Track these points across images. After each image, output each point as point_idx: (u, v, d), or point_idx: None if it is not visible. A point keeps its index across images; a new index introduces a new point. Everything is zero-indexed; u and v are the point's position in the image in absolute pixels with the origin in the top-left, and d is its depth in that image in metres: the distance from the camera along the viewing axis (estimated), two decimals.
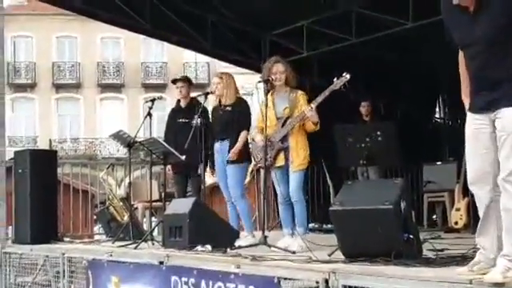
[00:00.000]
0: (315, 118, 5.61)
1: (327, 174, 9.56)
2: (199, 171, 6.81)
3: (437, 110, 13.23)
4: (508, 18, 3.27)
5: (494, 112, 3.34)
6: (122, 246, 6.26)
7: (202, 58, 29.54)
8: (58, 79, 31.80)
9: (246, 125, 6.52)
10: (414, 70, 10.97)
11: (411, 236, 4.12)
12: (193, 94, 7.68)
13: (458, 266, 3.74)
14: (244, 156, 6.43)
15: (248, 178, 6.42)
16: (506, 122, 3.28)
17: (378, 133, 5.52)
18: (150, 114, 6.76)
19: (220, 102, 6.59)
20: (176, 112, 7.60)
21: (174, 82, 7.60)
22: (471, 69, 3.48)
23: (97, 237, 9.26)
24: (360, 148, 5.45)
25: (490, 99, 3.36)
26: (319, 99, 5.62)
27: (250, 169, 6.57)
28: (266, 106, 5.78)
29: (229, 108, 6.51)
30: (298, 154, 5.70)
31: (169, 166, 7.28)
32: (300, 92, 5.85)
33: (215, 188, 7.26)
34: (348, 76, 5.52)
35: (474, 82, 3.47)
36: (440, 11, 3.70)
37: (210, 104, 6.90)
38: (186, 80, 7.62)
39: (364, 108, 9.35)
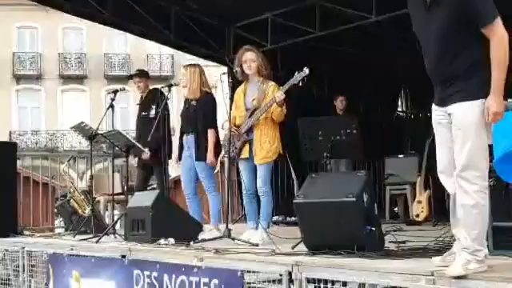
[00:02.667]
0: (281, 100, 5.50)
1: (292, 168, 9.57)
2: (164, 165, 6.78)
3: (399, 103, 13.35)
4: (459, 15, 3.26)
5: (446, 107, 3.37)
6: (84, 239, 6.18)
7: (166, 50, 29.33)
8: (18, 70, 31.19)
9: (212, 122, 6.44)
10: (377, 64, 11.05)
11: (373, 228, 4.14)
12: (158, 87, 7.63)
13: (420, 258, 3.79)
14: (215, 152, 6.40)
15: (217, 168, 6.38)
16: (457, 118, 3.31)
17: (343, 126, 5.53)
18: (112, 106, 6.68)
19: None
20: (139, 106, 7.60)
21: (131, 77, 7.59)
22: (426, 63, 3.49)
23: (57, 230, 9.11)
24: (324, 141, 5.45)
25: (443, 96, 3.39)
26: (283, 90, 5.59)
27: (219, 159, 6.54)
28: (232, 98, 5.74)
29: (194, 103, 6.46)
30: (262, 147, 5.66)
31: (136, 159, 7.24)
32: (271, 83, 5.77)
33: (179, 181, 7.22)
34: (307, 71, 5.50)
35: (430, 76, 3.49)
36: (403, 5, 3.72)
37: (174, 97, 6.86)
38: (142, 74, 7.60)
39: (340, 102, 9.36)
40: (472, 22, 3.24)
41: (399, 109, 13.31)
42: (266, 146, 5.66)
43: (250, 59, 5.75)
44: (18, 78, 31.30)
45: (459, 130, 3.28)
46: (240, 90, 5.90)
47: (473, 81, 3.26)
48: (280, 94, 5.49)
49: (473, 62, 3.26)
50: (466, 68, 3.27)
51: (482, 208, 3.24)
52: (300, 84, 5.54)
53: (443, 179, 3.49)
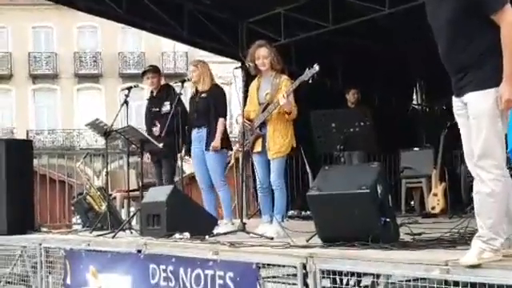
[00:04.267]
0: (287, 108, 5.52)
1: (306, 162, 9.57)
2: (176, 160, 6.81)
3: (414, 96, 13.28)
4: (468, 2, 3.24)
5: (462, 97, 3.35)
6: (100, 235, 6.22)
7: (181, 48, 29.45)
8: (34, 70, 31.44)
9: (223, 112, 6.54)
10: (391, 57, 10.99)
11: (388, 220, 4.13)
12: (171, 83, 7.67)
13: (434, 249, 3.78)
14: (224, 143, 6.43)
15: (232, 162, 6.41)
16: (472, 107, 3.29)
17: (356, 118, 5.52)
18: (126, 102, 6.71)
19: (197, 89, 6.58)
20: (150, 101, 7.62)
21: (144, 73, 7.61)
22: (440, 53, 3.47)
23: (74, 227, 9.19)
24: (337, 134, 5.45)
25: (458, 86, 3.37)
26: (291, 89, 5.58)
27: (232, 154, 6.57)
28: (246, 91, 5.75)
29: (204, 95, 6.51)
30: (275, 142, 5.66)
31: (148, 155, 7.27)
32: (284, 77, 5.75)
33: (193, 177, 7.24)
34: (317, 68, 5.48)
35: (445, 66, 3.47)
36: None
37: (189, 93, 6.88)
38: (156, 70, 7.63)
39: (352, 95, 9.31)
40: (481, 9, 3.21)
41: (414, 102, 13.24)
42: (279, 140, 5.66)
43: (262, 55, 5.76)
44: (35, 78, 31.55)
45: (474, 120, 3.27)
46: (254, 84, 5.91)
47: (485, 69, 3.23)
48: (282, 100, 5.47)
49: (484, 50, 3.23)
50: (477, 56, 3.25)
51: (498, 196, 3.21)
52: (310, 81, 5.50)
53: (470, 168, 3.47)
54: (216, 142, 6.36)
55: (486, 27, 3.22)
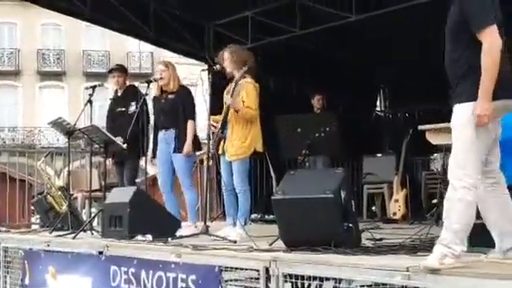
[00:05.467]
0: (233, 106, 5.56)
1: (270, 166, 9.60)
2: (139, 161, 6.75)
3: (378, 103, 13.43)
4: (461, 17, 3.33)
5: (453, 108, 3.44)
6: (60, 235, 6.13)
7: (146, 48, 29.22)
8: None
9: (192, 114, 6.51)
10: (356, 63, 11.11)
11: (351, 225, 4.17)
12: (136, 83, 7.60)
13: (395, 255, 3.82)
14: (193, 145, 6.41)
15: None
16: (452, 119, 3.40)
17: (321, 124, 5.55)
18: (90, 102, 6.63)
19: (162, 90, 6.52)
20: (114, 101, 7.52)
21: (110, 71, 7.53)
22: None
23: (34, 227, 9.03)
24: (302, 139, 5.47)
25: (451, 97, 3.45)
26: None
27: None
28: (213, 94, 5.75)
29: (172, 96, 6.47)
30: (233, 144, 5.66)
31: (110, 159, 7.19)
32: (246, 80, 5.75)
33: (156, 179, 7.20)
34: (245, 68, 5.59)
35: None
36: (383, 5, 3.75)
37: (152, 93, 6.82)
38: (122, 69, 7.55)
39: (317, 101, 9.37)
40: (470, 26, 3.31)
41: (378, 108, 13.39)
42: (236, 143, 5.66)
43: (224, 58, 5.79)
44: None
45: (452, 130, 3.39)
46: (228, 87, 5.90)
47: (468, 83, 3.33)
48: (227, 99, 5.52)
49: (471, 65, 3.32)
50: (464, 70, 3.34)
51: (467, 204, 3.28)
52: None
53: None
54: (188, 147, 6.34)
55: (474, 43, 3.30)
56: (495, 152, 3.47)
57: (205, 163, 6.16)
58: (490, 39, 3.26)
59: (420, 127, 4.25)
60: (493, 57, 3.24)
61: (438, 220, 6.64)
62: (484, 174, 3.40)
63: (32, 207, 9.85)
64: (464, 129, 3.32)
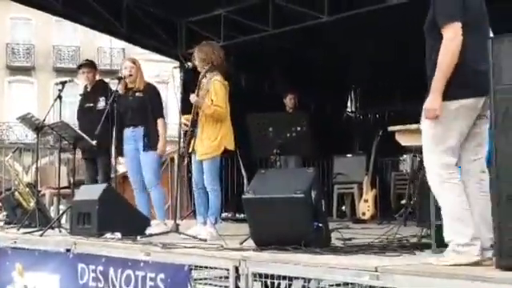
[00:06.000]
0: (198, 104, 5.54)
1: (241, 164, 9.59)
2: (110, 158, 6.69)
3: (348, 103, 13.52)
4: (433, 16, 3.38)
5: None
6: (28, 232, 6.06)
7: (118, 44, 28.92)
8: None
9: (161, 112, 6.49)
10: (328, 63, 11.16)
11: (321, 224, 4.19)
12: (106, 80, 7.53)
13: (364, 255, 3.85)
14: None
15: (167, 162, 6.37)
16: (422, 115, 3.45)
17: (293, 123, 5.57)
18: (60, 97, 6.55)
19: (127, 87, 6.46)
20: (83, 97, 7.44)
21: (80, 67, 7.45)
22: None
23: (1, 224, 8.90)
24: (274, 138, 5.47)
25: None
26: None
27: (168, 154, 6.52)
28: (184, 91, 5.72)
29: (139, 94, 6.42)
30: (203, 143, 5.64)
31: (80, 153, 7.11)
32: (215, 78, 5.68)
33: (126, 176, 7.14)
34: (190, 64, 5.58)
35: None
36: (354, 6, 3.77)
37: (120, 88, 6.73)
38: (92, 65, 7.48)
39: (290, 100, 9.40)
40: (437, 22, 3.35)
41: (348, 109, 13.48)
42: (206, 142, 5.63)
43: (193, 56, 5.77)
44: None
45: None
46: (198, 85, 5.86)
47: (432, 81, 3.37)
48: (191, 97, 5.53)
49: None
50: (432, 67, 3.36)
51: (442, 199, 3.37)
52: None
53: None
54: (162, 146, 6.33)
55: (440, 40, 3.33)
56: (477, 150, 3.45)
57: (175, 162, 6.12)
58: (449, 35, 3.28)
59: (390, 128, 4.28)
60: (447, 52, 3.27)
61: (406, 220, 6.74)
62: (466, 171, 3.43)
63: None
64: (424, 126, 3.40)
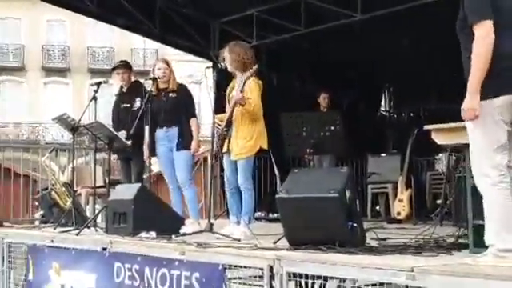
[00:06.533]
0: (238, 100, 5.44)
1: (274, 164, 9.59)
2: (144, 157, 6.74)
3: (382, 102, 13.42)
4: (464, 15, 3.35)
5: None
6: (64, 231, 6.13)
7: (151, 45, 29.21)
8: (0, 62, 30.89)
9: (194, 112, 6.54)
10: (361, 62, 11.09)
11: (355, 224, 4.16)
12: (141, 80, 7.60)
13: (400, 255, 3.82)
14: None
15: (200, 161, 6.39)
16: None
17: (326, 122, 5.55)
18: (95, 98, 6.61)
19: (159, 87, 6.49)
20: (119, 97, 7.51)
21: (114, 68, 7.52)
22: None
23: (38, 223, 9.04)
24: (308, 137, 5.46)
25: None
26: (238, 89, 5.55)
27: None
28: (217, 91, 5.72)
29: (173, 95, 6.46)
30: (238, 143, 5.62)
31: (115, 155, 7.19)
32: (249, 77, 5.59)
33: (161, 175, 7.19)
34: (255, 67, 5.50)
35: None
36: (387, 4, 3.74)
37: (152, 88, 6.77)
38: (127, 66, 7.54)
39: (323, 99, 9.37)
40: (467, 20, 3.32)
41: (382, 108, 13.37)
42: (240, 142, 5.62)
43: (224, 56, 5.76)
44: (1, 70, 31.02)
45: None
46: (230, 85, 5.88)
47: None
48: (236, 95, 5.48)
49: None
50: (468, 67, 3.33)
51: (489, 202, 3.30)
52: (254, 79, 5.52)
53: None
54: (196, 145, 6.38)
55: (472, 39, 3.30)
56: None
57: (209, 161, 6.14)
58: (480, 33, 3.25)
59: (426, 127, 4.22)
60: (480, 51, 3.23)
61: (442, 220, 6.66)
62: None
63: (36, 203, 9.88)
64: (469, 128, 3.35)
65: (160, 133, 6.51)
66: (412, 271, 3.15)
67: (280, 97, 9.54)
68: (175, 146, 6.42)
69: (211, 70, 6.26)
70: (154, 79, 6.47)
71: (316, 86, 10.23)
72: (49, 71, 31.45)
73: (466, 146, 3.54)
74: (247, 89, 5.56)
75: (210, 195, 6.02)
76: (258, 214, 8.69)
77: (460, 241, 4.36)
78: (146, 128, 6.48)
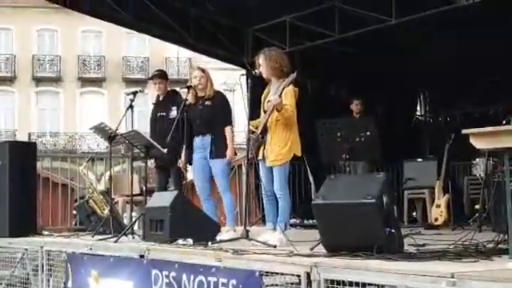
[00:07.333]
0: (275, 103, 5.39)
1: (309, 171, 9.57)
2: (179, 164, 6.79)
3: (418, 107, 13.28)
4: None
5: None
6: (102, 239, 6.21)
7: (184, 54, 29.51)
8: (38, 72, 31.49)
9: (229, 119, 6.54)
10: (396, 67, 11.01)
11: (393, 230, 4.12)
12: (177, 89, 7.66)
13: (439, 261, 3.77)
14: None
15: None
16: None
17: (361, 128, 5.52)
18: (131, 107, 6.70)
19: (197, 96, 6.53)
20: (156, 106, 7.60)
21: (151, 78, 7.61)
22: None
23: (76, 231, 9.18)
24: (343, 143, 5.43)
25: None
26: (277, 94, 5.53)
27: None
28: (252, 99, 5.72)
29: (208, 102, 6.49)
30: (273, 150, 5.61)
31: (153, 161, 7.25)
32: (286, 83, 5.57)
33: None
34: (294, 75, 5.46)
35: None
36: (421, 9, 3.69)
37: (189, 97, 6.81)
38: (163, 75, 7.62)
39: (356, 106, 9.35)
40: None
41: (418, 113, 13.24)
42: (275, 148, 5.61)
43: (259, 63, 5.76)
44: (38, 81, 31.60)
45: None
46: (265, 92, 5.88)
47: None
48: (274, 98, 5.46)
49: None
50: None
51: None
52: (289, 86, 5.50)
53: None
54: (230, 154, 6.39)
55: None
56: None
57: (243, 168, 6.16)
58: None
59: (464, 131, 4.15)
60: None
61: (480, 226, 6.55)
62: None
63: (74, 211, 10.03)
64: None
65: (196, 141, 6.55)
66: (452, 277, 3.11)
67: (313, 103, 9.51)
68: (208, 153, 6.45)
69: (245, 77, 6.28)
70: (189, 87, 6.52)
71: (350, 92, 10.19)
72: (84, 81, 31.94)
73: (506, 150, 3.48)
74: (284, 95, 5.55)
75: (246, 202, 6.02)
76: (292, 220, 8.66)
77: (500, 246, 4.29)
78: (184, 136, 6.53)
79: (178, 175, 7.09)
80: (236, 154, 6.65)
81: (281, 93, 5.47)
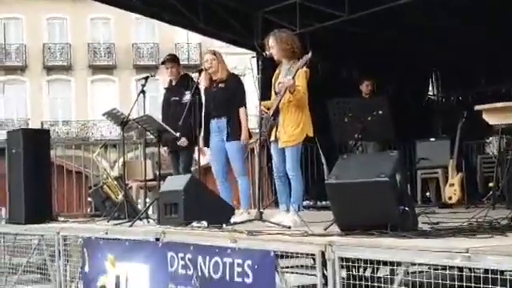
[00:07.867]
0: (288, 85, 5.38)
1: (321, 151, 9.56)
2: (193, 150, 6.80)
3: (430, 87, 13.21)
4: None
5: None
6: (118, 224, 6.25)
7: (194, 39, 29.49)
8: (48, 61, 31.61)
9: (243, 101, 6.54)
10: (407, 47, 10.94)
11: (407, 208, 4.12)
12: (189, 72, 7.67)
13: (454, 238, 3.77)
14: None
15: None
16: None
17: (373, 107, 5.50)
18: (143, 92, 6.71)
19: (211, 79, 6.54)
20: (168, 91, 7.60)
21: (163, 62, 7.60)
22: None
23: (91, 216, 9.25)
24: (355, 122, 5.42)
25: None
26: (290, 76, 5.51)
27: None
28: (263, 81, 5.71)
29: (222, 85, 6.49)
30: (286, 131, 5.61)
31: (165, 148, 7.27)
32: (298, 65, 5.55)
33: (209, 168, 7.26)
34: (309, 55, 5.43)
35: None
36: None
37: (202, 82, 6.84)
38: (174, 59, 7.61)
39: (366, 87, 9.31)
40: None
41: (430, 92, 13.17)
42: (288, 129, 5.60)
43: (269, 45, 5.74)
44: (49, 69, 31.73)
45: None
46: (276, 73, 5.87)
47: None
48: (287, 80, 5.44)
49: None
50: None
51: None
52: (304, 67, 5.47)
53: None
54: (245, 135, 6.41)
55: None
56: None
57: (255, 150, 6.17)
58: None
59: (477, 107, 4.14)
60: None
61: (494, 204, 6.53)
62: None
63: (88, 198, 10.10)
64: None
65: (212, 124, 6.58)
66: (467, 252, 3.12)
67: (325, 84, 9.48)
68: (225, 136, 6.47)
69: (255, 59, 6.27)
70: (200, 70, 6.53)
71: (359, 73, 10.14)
72: (95, 69, 32.02)
73: None
74: (296, 77, 5.54)
75: (259, 184, 6.03)
76: (305, 202, 8.67)
77: None
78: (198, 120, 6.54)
79: (189, 159, 7.12)
80: (251, 137, 6.65)
81: (294, 74, 5.46)
